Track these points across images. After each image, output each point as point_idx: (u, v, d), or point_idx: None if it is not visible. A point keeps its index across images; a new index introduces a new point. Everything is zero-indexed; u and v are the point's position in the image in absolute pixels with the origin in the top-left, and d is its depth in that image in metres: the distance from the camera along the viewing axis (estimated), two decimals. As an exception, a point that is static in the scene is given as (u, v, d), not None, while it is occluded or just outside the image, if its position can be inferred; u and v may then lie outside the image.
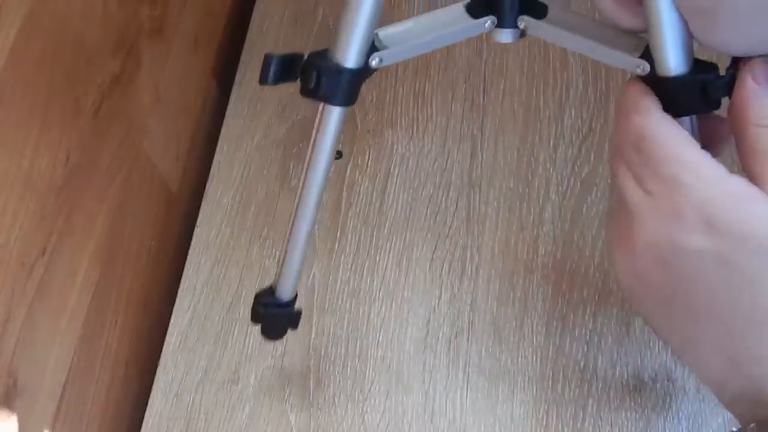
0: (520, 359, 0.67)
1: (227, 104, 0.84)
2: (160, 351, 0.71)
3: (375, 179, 0.77)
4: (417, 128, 0.80)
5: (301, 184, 0.48)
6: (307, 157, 0.48)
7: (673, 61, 0.39)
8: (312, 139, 0.47)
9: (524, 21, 0.44)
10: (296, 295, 0.53)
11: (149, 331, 0.74)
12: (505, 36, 0.45)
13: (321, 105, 0.45)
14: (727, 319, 0.35)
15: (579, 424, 0.64)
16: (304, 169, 0.48)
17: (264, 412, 0.67)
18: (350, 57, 0.42)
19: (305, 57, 0.42)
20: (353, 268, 0.73)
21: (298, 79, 0.43)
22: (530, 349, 0.67)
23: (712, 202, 0.34)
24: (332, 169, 0.78)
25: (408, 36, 0.45)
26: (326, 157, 0.48)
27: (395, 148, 0.79)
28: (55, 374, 0.59)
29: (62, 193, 0.58)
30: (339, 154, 0.79)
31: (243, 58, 0.87)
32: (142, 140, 0.72)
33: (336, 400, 0.66)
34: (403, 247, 0.73)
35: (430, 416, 0.65)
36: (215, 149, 0.81)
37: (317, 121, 0.47)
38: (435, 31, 0.46)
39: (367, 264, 0.73)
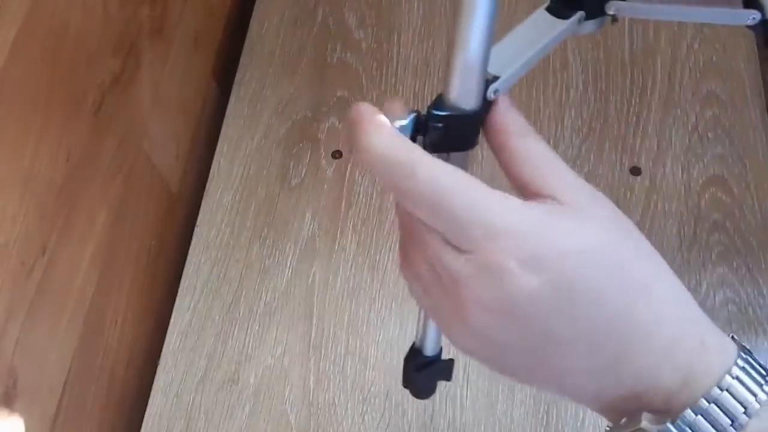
0: (520, 359, 0.67)
1: (227, 104, 0.84)
2: (160, 351, 0.71)
3: (375, 179, 0.77)
4: (417, 128, 0.80)
5: None
6: None
7: None
8: None
9: (613, 6, 0.41)
10: (441, 347, 0.49)
11: (149, 331, 0.74)
12: (593, 26, 0.44)
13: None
14: (592, 343, 0.34)
15: (579, 424, 0.64)
16: None
17: (264, 412, 0.67)
18: (471, 99, 0.38)
19: (424, 113, 0.39)
20: (353, 268, 0.73)
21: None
22: (530, 349, 0.67)
23: (527, 238, 0.33)
24: (332, 169, 0.79)
25: (513, 59, 0.42)
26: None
27: (395, 148, 0.79)
28: (55, 374, 0.59)
29: (62, 193, 0.58)
30: (339, 154, 0.79)
31: (243, 58, 0.87)
32: (142, 140, 0.72)
33: (336, 399, 0.66)
34: (403, 247, 0.73)
35: (430, 416, 0.65)
36: (215, 149, 0.81)
37: None
38: (534, 44, 0.43)
39: (367, 264, 0.73)
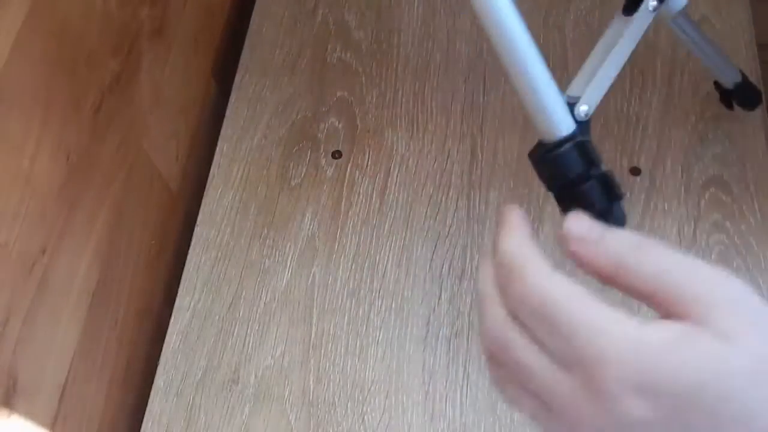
0: (520, 359, 0.67)
1: (227, 104, 0.84)
2: (160, 351, 0.71)
3: (375, 179, 0.77)
4: (417, 128, 0.80)
5: None
6: None
7: None
8: None
9: None
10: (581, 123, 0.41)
11: (149, 332, 0.74)
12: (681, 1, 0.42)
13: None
14: None
15: None
16: None
17: (264, 412, 0.67)
18: (560, 127, 0.37)
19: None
20: (353, 268, 0.73)
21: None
22: (530, 349, 0.67)
23: (639, 362, 0.31)
24: (332, 169, 0.79)
25: (593, 72, 0.41)
26: None
27: (395, 148, 0.79)
28: (55, 374, 0.59)
29: (62, 193, 0.58)
30: (339, 154, 0.79)
31: (243, 58, 0.87)
32: (142, 140, 0.72)
33: (336, 399, 0.66)
34: (403, 246, 0.73)
35: (430, 416, 0.65)
36: (215, 149, 0.81)
37: None
38: (617, 51, 0.42)
39: (367, 264, 0.73)
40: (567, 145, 0.37)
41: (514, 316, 0.34)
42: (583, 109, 0.38)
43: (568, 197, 0.37)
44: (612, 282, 0.34)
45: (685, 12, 0.59)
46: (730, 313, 0.31)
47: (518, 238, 0.35)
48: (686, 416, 0.30)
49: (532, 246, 0.35)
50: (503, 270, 0.35)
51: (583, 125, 0.38)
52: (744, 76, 0.72)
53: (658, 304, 0.32)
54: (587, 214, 0.35)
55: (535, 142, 0.41)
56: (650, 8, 0.43)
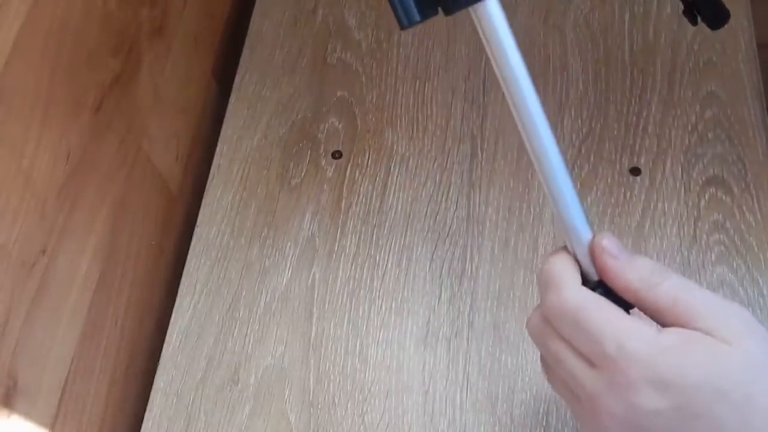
0: (520, 359, 0.67)
1: (227, 104, 0.84)
2: (160, 351, 0.71)
3: (375, 179, 0.77)
4: (417, 128, 0.80)
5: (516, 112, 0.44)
6: (498, 74, 0.41)
7: None
8: (490, 55, 0.41)
9: None
10: None
11: (149, 331, 0.74)
12: None
13: (473, 14, 0.40)
14: None
15: (579, 424, 0.63)
16: (509, 94, 0.42)
17: (264, 412, 0.67)
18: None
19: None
20: (353, 268, 0.73)
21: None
22: (530, 349, 0.67)
23: (654, 361, 0.37)
24: (332, 169, 0.79)
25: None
26: (516, 54, 0.41)
27: (395, 147, 0.79)
28: (55, 374, 0.59)
29: (62, 193, 0.58)
30: (339, 154, 0.79)
31: (243, 58, 0.87)
32: (142, 140, 0.72)
33: (336, 400, 0.66)
34: (403, 246, 0.73)
35: (430, 416, 0.65)
36: (215, 149, 0.81)
37: (480, 32, 0.40)
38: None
39: (367, 264, 0.73)
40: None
41: (548, 320, 0.41)
42: None
43: None
44: (633, 296, 0.40)
45: None
46: (730, 325, 0.37)
47: (564, 259, 0.42)
48: (693, 406, 0.36)
49: (574, 268, 0.42)
50: (542, 281, 0.42)
51: None
52: None
53: (673, 318, 0.38)
54: None
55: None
56: None
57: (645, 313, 0.40)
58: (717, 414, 0.36)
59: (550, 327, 0.41)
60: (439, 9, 0.39)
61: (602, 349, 0.38)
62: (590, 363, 0.39)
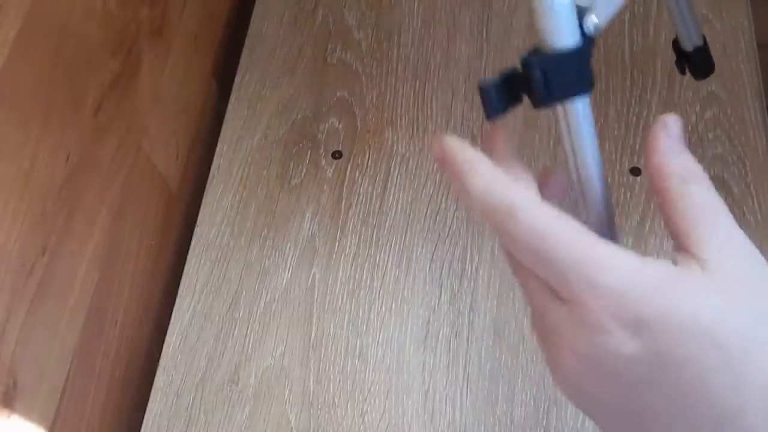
0: (520, 359, 0.67)
1: (227, 104, 0.84)
2: (160, 351, 0.71)
3: (375, 179, 0.77)
4: (417, 128, 0.80)
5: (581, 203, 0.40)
6: (574, 174, 0.39)
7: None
8: (569, 149, 0.39)
9: None
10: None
11: (149, 331, 0.74)
12: None
13: (561, 108, 0.38)
14: (687, 420, 0.30)
15: (579, 425, 0.64)
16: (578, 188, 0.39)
17: (264, 413, 0.67)
18: (567, 36, 0.35)
19: (521, 66, 0.36)
20: (353, 268, 0.73)
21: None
22: (530, 349, 0.67)
23: (633, 299, 0.30)
24: (332, 169, 0.79)
25: None
26: (596, 162, 0.39)
27: (395, 148, 0.79)
28: (55, 374, 0.59)
29: (62, 193, 0.58)
30: (339, 154, 0.79)
31: (243, 58, 0.87)
32: (142, 140, 0.72)
33: (336, 400, 0.66)
34: (403, 247, 0.73)
35: (430, 416, 0.65)
36: (215, 149, 0.81)
37: (564, 127, 0.38)
38: None
39: (367, 264, 0.73)
40: (567, 57, 0.35)
41: (515, 256, 0.34)
42: (593, 20, 0.36)
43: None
44: (663, 190, 0.33)
45: None
46: (741, 268, 0.32)
47: (483, 178, 0.34)
48: (675, 352, 0.29)
49: (503, 181, 0.33)
50: (489, 213, 0.34)
51: (589, 42, 0.36)
52: (705, 43, 0.68)
53: (679, 240, 0.32)
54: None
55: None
56: None
57: (665, 221, 0.33)
58: (704, 363, 0.29)
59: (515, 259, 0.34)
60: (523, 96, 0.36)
61: (569, 285, 0.31)
62: (559, 298, 0.32)
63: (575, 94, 0.37)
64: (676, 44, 0.69)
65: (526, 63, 0.35)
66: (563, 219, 0.32)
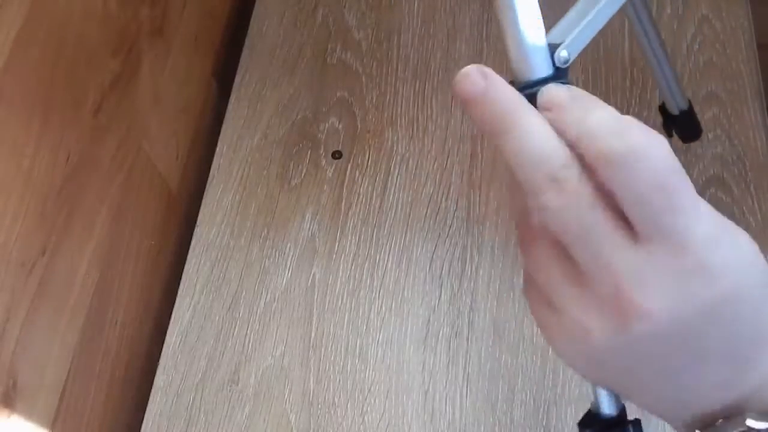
0: (519, 359, 0.67)
1: (227, 104, 0.84)
2: (160, 351, 0.71)
3: (375, 179, 0.77)
4: (417, 128, 0.80)
5: None
6: None
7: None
8: None
9: None
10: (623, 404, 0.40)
11: (149, 331, 0.74)
12: None
13: None
14: (737, 350, 0.33)
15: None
16: None
17: (264, 412, 0.67)
18: (539, 70, 0.36)
19: None
20: (353, 268, 0.73)
21: None
22: (530, 349, 0.67)
23: (658, 281, 0.30)
24: (332, 169, 0.79)
25: (576, 20, 0.40)
26: None
27: (395, 148, 0.79)
28: (55, 374, 0.59)
29: (62, 193, 0.58)
30: (339, 154, 0.79)
31: (243, 58, 0.87)
32: (142, 140, 0.72)
33: (336, 400, 0.66)
34: (403, 247, 0.73)
35: (430, 416, 0.65)
36: (215, 149, 0.81)
37: None
38: (596, 3, 0.41)
39: (367, 264, 0.73)
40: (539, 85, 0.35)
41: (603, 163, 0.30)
42: (563, 54, 0.37)
43: None
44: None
45: (651, 20, 0.59)
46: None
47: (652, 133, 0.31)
48: (702, 329, 0.31)
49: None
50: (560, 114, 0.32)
51: (561, 72, 0.37)
52: (691, 107, 0.70)
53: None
54: None
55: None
56: None
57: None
58: (729, 337, 0.32)
59: (544, 232, 0.32)
60: None
61: (671, 219, 0.30)
62: (631, 236, 0.31)
63: None
64: (663, 108, 0.70)
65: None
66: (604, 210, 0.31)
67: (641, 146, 0.30)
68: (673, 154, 0.30)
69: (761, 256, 0.34)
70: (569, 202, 0.31)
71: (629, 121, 0.31)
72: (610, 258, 0.31)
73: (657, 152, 0.30)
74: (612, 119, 0.31)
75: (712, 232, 0.32)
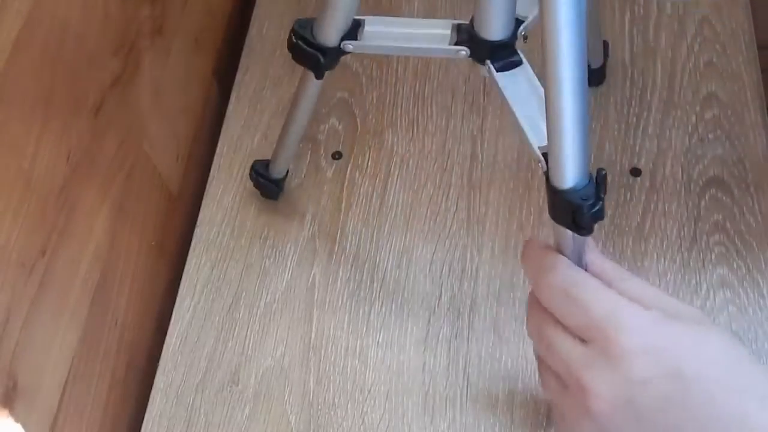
0: (520, 360, 0.67)
1: (227, 104, 0.84)
2: (160, 351, 0.70)
3: (375, 180, 0.77)
4: (417, 129, 0.80)
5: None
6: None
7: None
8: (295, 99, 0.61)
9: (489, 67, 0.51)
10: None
11: (149, 332, 0.74)
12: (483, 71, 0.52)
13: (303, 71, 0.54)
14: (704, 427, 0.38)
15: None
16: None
17: (264, 413, 0.67)
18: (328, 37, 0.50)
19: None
20: (353, 268, 0.73)
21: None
22: (530, 350, 0.67)
23: (647, 328, 0.38)
24: (332, 170, 0.78)
25: (385, 37, 0.53)
26: (305, 114, 0.62)
27: (395, 148, 0.79)
28: (55, 374, 0.59)
29: (62, 193, 0.58)
30: (339, 155, 0.79)
31: (243, 58, 0.87)
32: (142, 140, 0.72)
33: (336, 401, 0.66)
34: (403, 247, 0.73)
35: (430, 417, 0.65)
36: (215, 149, 0.81)
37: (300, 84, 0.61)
38: (412, 41, 0.54)
39: (367, 264, 0.73)
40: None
41: (540, 302, 0.43)
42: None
43: None
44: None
45: None
46: (686, 309, 0.42)
47: (552, 247, 0.46)
48: (687, 370, 0.37)
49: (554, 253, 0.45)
50: (534, 265, 0.45)
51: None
52: (604, 64, 0.78)
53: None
54: None
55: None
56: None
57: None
58: (713, 381, 0.37)
59: (543, 312, 0.43)
60: None
61: (593, 320, 0.39)
62: (582, 340, 0.40)
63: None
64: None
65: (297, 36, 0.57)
66: (590, 276, 0.43)
67: (546, 277, 0.44)
68: (573, 269, 0.43)
69: (719, 332, 0.41)
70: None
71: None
72: (569, 358, 0.41)
73: (558, 274, 0.43)
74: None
75: (636, 320, 0.39)
